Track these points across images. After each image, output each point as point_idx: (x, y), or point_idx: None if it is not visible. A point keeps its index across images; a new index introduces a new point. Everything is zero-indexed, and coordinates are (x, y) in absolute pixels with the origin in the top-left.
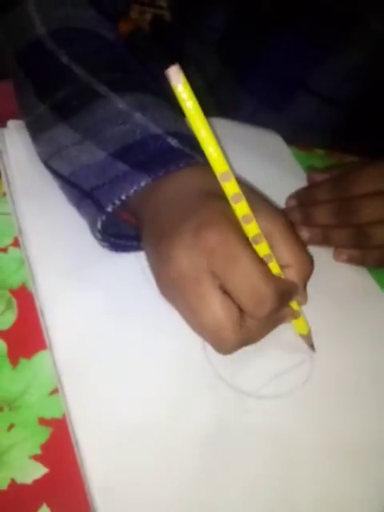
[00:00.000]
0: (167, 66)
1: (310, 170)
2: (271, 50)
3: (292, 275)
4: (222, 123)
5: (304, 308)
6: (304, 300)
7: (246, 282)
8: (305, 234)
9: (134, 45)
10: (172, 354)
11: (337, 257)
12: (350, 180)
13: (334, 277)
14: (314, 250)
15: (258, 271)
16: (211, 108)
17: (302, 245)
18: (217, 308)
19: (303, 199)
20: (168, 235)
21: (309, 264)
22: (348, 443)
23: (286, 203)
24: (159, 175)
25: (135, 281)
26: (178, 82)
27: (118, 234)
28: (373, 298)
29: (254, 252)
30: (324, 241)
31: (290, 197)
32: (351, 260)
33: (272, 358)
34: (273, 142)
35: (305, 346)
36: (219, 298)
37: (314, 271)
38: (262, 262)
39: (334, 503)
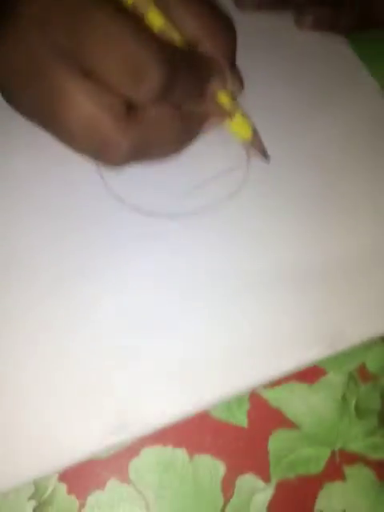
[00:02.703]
0: None
1: None
2: None
3: (206, 50)
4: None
5: (258, 101)
6: (236, 85)
7: (110, 47)
8: None
9: None
10: (59, 177)
11: (300, 23)
12: None
13: (299, 55)
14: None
15: (122, 27)
16: None
17: (211, 5)
18: (82, 98)
19: None
20: None
21: (226, 30)
22: (280, 268)
23: None
24: None
25: None
26: None
27: None
28: (353, 76)
29: (114, 5)
30: (281, 1)
31: None
32: (319, 24)
33: (191, 168)
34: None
35: (240, 153)
36: (81, 84)
37: (274, 51)
38: (129, 20)
39: (259, 339)
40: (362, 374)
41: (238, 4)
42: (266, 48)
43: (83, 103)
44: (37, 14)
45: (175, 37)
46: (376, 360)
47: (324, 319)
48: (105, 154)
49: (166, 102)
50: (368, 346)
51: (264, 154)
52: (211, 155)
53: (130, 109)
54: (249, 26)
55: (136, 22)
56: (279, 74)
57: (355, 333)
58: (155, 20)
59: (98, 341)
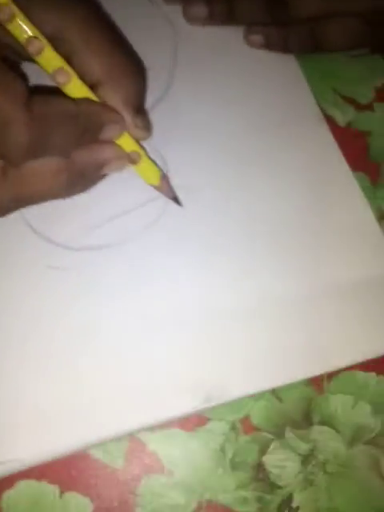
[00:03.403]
0: None
1: None
2: None
3: (107, 95)
4: None
5: (195, 123)
6: (141, 132)
7: None
8: (201, 7)
9: None
10: None
11: (249, 39)
12: None
13: (246, 75)
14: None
15: None
16: None
17: (117, 46)
18: None
19: None
20: None
21: (131, 74)
22: (173, 311)
23: None
24: None
25: None
26: None
27: None
28: (297, 99)
29: None
30: (230, 16)
31: None
32: (269, 43)
33: (107, 199)
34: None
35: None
36: None
37: (218, 69)
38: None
39: (141, 383)
40: (245, 426)
41: (187, 16)
42: (210, 64)
43: None
44: None
45: (72, 80)
46: (261, 413)
47: (205, 371)
48: None
49: (45, 155)
50: (256, 398)
51: (175, 200)
52: (129, 186)
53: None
54: (196, 39)
55: (6, 74)
56: (221, 93)
57: (236, 388)
58: (51, 61)
59: None
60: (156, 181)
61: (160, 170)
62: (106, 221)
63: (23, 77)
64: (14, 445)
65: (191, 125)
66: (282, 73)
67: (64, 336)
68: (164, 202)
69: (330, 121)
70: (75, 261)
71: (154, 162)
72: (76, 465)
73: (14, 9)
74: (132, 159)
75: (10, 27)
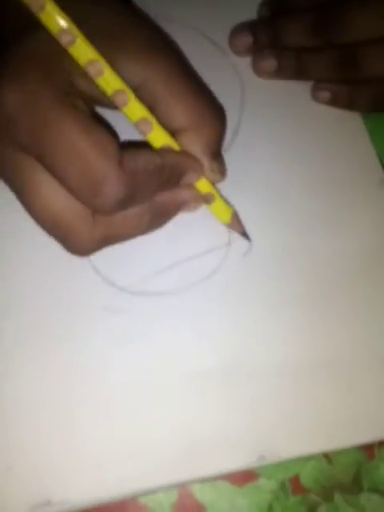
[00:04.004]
0: None
1: None
2: None
3: (188, 142)
4: None
5: (256, 173)
6: (217, 176)
7: (69, 158)
8: (271, 61)
9: None
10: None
11: (316, 94)
12: None
13: (311, 130)
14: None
15: (85, 138)
16: None
17: (199, 94)
18: (47, 200)
19: (279, 6)
20: None
21: (211, 122)
22: (227, 367)
23: (258, 13)
24: None
25: None
26: None
27: None
28: (362, 160)
29: (82, 114)
30: (299, 71)
31: (263, 3)
32: (336, 100)
33: (170, 245)
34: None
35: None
36: (45, 186)
37: (284, 122)
38: (93, 128)
39: (194, 435)
40: (294, 486)
41: (256, 69)
42: (276, 118)
43: (47, 201)
44: (9, 116)
45: (154, 129)
46: (310, 474)
47: (259, 429)
48: (68, 247)
49: (133, 205)
50: (306, 459)
51: (244, 236)
52: (192, 233)
53: None
54: (263, 92)
55: (101, 133)
56: (284, 147)
57: (289, 449)
58: (136, 111)
59: (29, 414)
60: (227, 219)
61: (231, 207)
62: (167, 268)
63: (114, 133)
64: (67, 486)
65: (253, 177)
66: (346, 131)
67: (116, 377)
68: (224, 252)
69: None
70: (132, 305)
71: (225, 200)
72: (123, 509)
73: (103, 63)
74: (207, 199)
75: (99, 81)
